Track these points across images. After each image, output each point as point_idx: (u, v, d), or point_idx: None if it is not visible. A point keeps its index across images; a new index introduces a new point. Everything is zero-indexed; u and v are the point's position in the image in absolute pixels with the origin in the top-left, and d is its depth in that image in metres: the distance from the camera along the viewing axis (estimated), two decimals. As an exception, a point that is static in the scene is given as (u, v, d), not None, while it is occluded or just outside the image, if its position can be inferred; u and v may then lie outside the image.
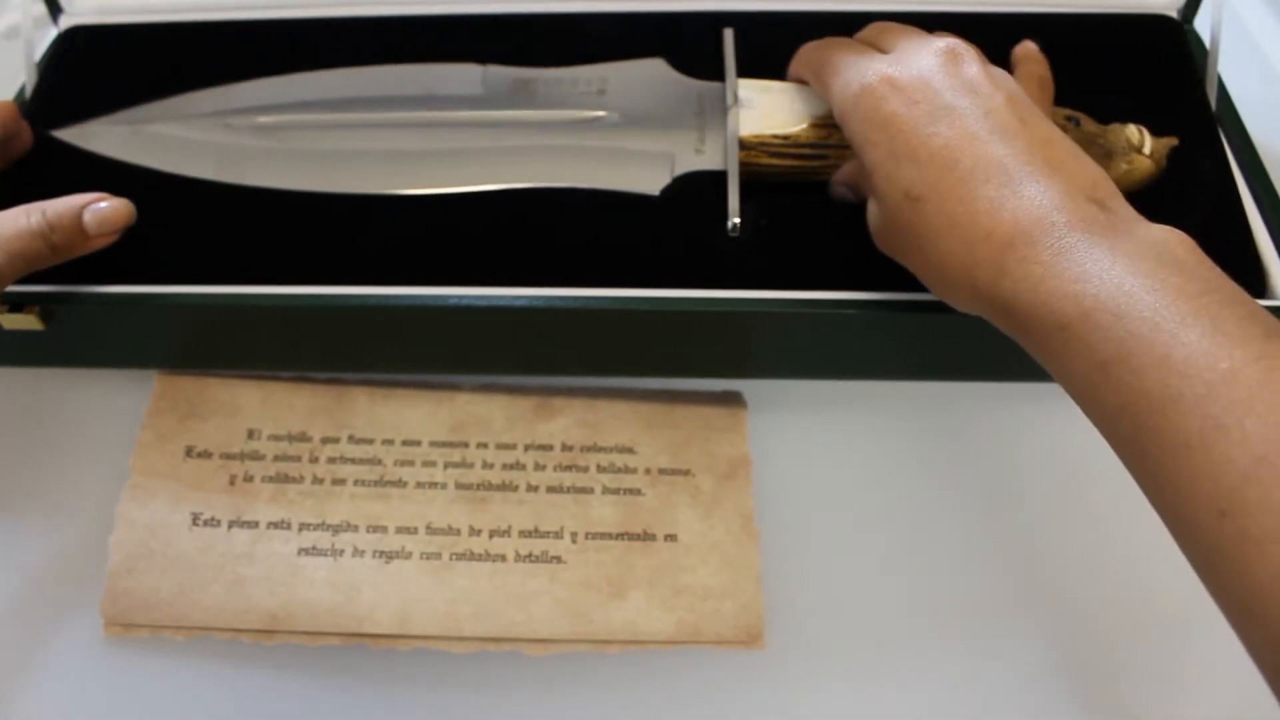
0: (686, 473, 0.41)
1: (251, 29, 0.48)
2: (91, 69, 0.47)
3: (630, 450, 0.42)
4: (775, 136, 0.40)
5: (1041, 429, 0.44)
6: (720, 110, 0.42)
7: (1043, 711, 0.38)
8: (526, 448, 0.42)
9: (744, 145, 0.40)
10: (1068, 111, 0.41)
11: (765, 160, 0.40)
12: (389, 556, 0.39)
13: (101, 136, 0.44)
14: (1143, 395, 0.27)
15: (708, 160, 0.41)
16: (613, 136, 0.42)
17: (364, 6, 0.48)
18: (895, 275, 0.36)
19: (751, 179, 0.40)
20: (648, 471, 0.41)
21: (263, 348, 0.43)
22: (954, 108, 0.33)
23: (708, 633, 0.38)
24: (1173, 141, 0.40)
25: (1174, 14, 0.47)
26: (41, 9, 0.48)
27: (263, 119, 0.44)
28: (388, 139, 0.43)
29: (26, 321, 0.40)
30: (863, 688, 0.38)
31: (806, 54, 0.40)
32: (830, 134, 0.40)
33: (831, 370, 0.45)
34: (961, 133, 0.32)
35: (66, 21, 0.49)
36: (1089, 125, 0.41)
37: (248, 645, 0.38)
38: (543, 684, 0.38)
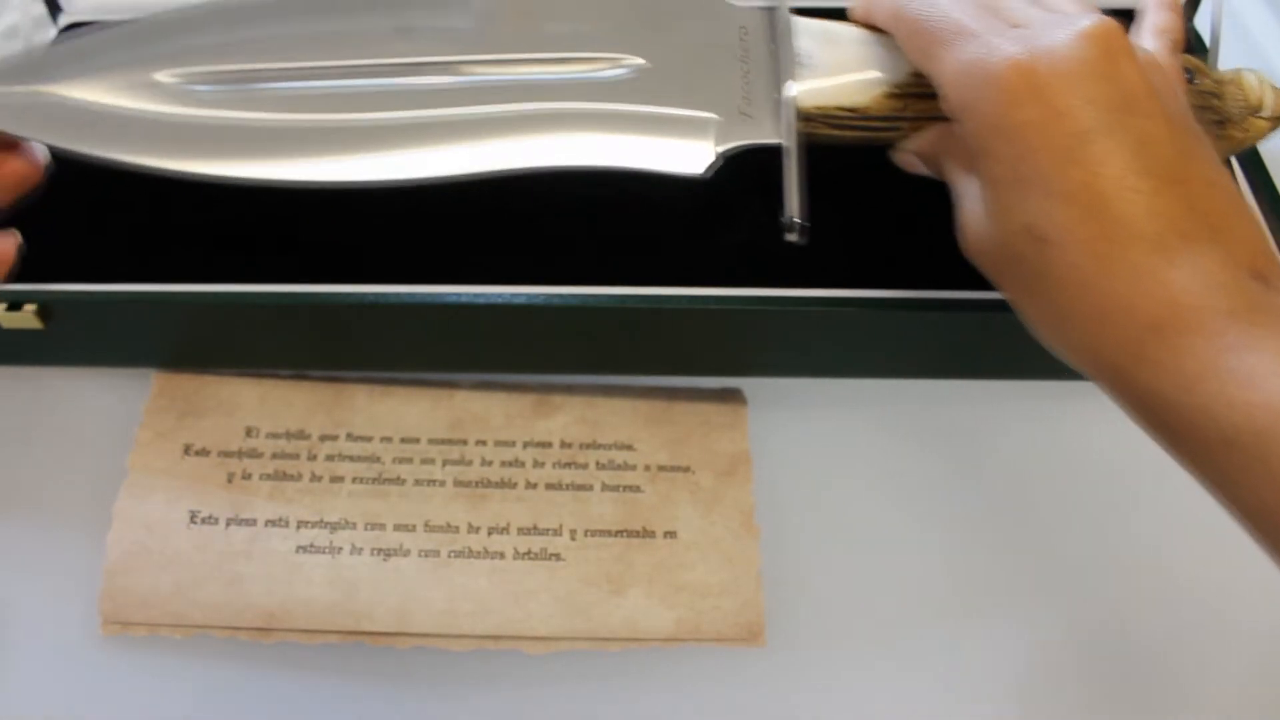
0: (686, 470, 0.41)
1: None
2: (90, 68, 0.47)
3: (630, 447, 0.42)
4: (841, 109, 0.33)
5: (1042, 427, 0.44)
6: (771, 56, 0.34)
7: (1044, 710, 0.37)
8: (525, 445, 0.42)
9: (803, 116, 0.33)
10: (1184, 60, 0.35)
11: (824, 132, 0.34)
12: (387, 554, 0.39)
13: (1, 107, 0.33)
14: None
15: (757, 127, 0.33)
16: (639, 94, 0.33)
17: None
18: (896, 274, 0.36)
19: (810, 141, 0.34)
20: (647, 468, 0.41)
21: (261, 346, 0.43)
22: (1107, 131, 0.26)
23: (708, 630, 0.38)
24: None
25: (1174, 11, 0.47)
26: (41, 8, 0.48)
27: (186, 82, 0.32)
28: (352, 101, 0.33)
29: (24, 320, 0.40)
30: (863, 685, 0.38)
31: (887, 3, 0.33)
32: (908, 105, 0.33)
33: (832, 368, 0.45)
34: (1113, 170, 0.26)
35: (65, 20, 0.49)
36: (1204, 79, 0.35)
37: (246, 643, 0.38)
38: (542, 682, 0.38)
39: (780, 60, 0.33)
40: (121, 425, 0.43)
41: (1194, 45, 0.46)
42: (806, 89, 0.33)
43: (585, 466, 0.41)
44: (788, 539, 0.40)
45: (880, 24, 0.33)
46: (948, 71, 0.29)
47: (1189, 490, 0.42)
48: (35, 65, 0.33)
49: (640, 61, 0.34)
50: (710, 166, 0.33)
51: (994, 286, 0.31)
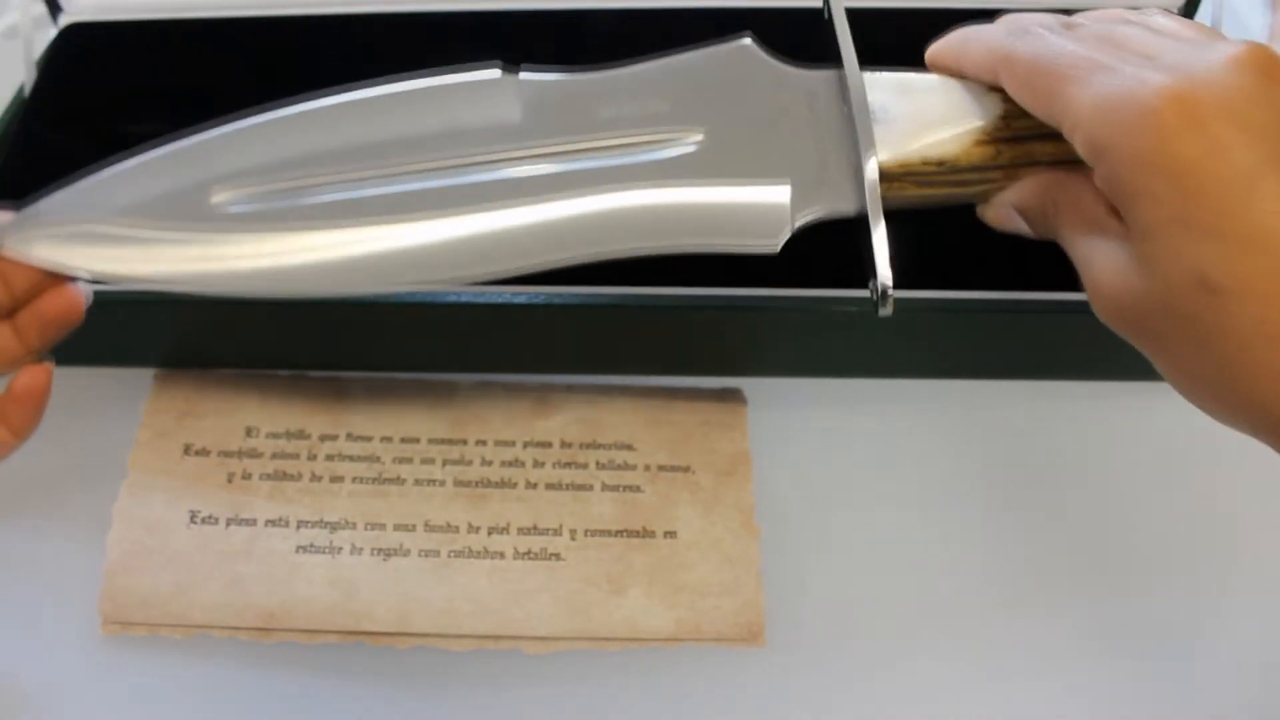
0: (686, 469, 0.41)
1: (251, 26, 0.48)
2: (91, 67, 0.47)
3: (630, 447, 0.42)
4: (927, 162, 0.30)
5: (1042, 426, 0.44)
6: (843, 117, 0.31)
7: (1044, 709, 0.37)
8: (525, 445, 0.42)
9: (885, 176, 0.30)
10: None
11: (910, 192, 0.31)
12: (387, 554, 0.39)
13: (40, 242, 0.31)
14: None
15: (835, 196, 0.31)
16: (703, 171, 0.31)
17: (363, 4, 0.48)
18: (896, 274, 0.36)
19: (889, 206, 0.30)
20: (647, 468, 0.41)
21: (261, 345, 0.43)
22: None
23: (708, 630, 0.38)
24: None
25: (1174, 10, 0.47)
26: (41, 8, 0.48)
27: (237, 202, 0.32)
28: (407, 204, 0.32)
29: (24, 319, 0.40)
30: (863, 685, 0.38)
31: (983, 40, 0.30)
32: (1001, 151, 0.30)
33: (832, 368, 0.44)
34: None
35: (66, 20, 0.49)
36: None
37: (246, 643, 0.38)
38: (542, 682, 0.38)
39: (855, 119, 0.30)
40: (121, 425, 0.43)
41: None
42: (886, 145, 0.30)
43: (585, 466, 0.41)
44: (788, 539, 0.40)
45: (975, 69, 0.30)
46: (1082, 109, 0.26)
47: (1184, 492, 0.42)
48: (80, 195, 0.32)
49: (702, 137, 0.31)
50: (786, 241, 0.31)
51: (1136, 345, 0.28)
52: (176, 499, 0.40)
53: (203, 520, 0.40)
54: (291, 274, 0.31)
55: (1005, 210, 0.31)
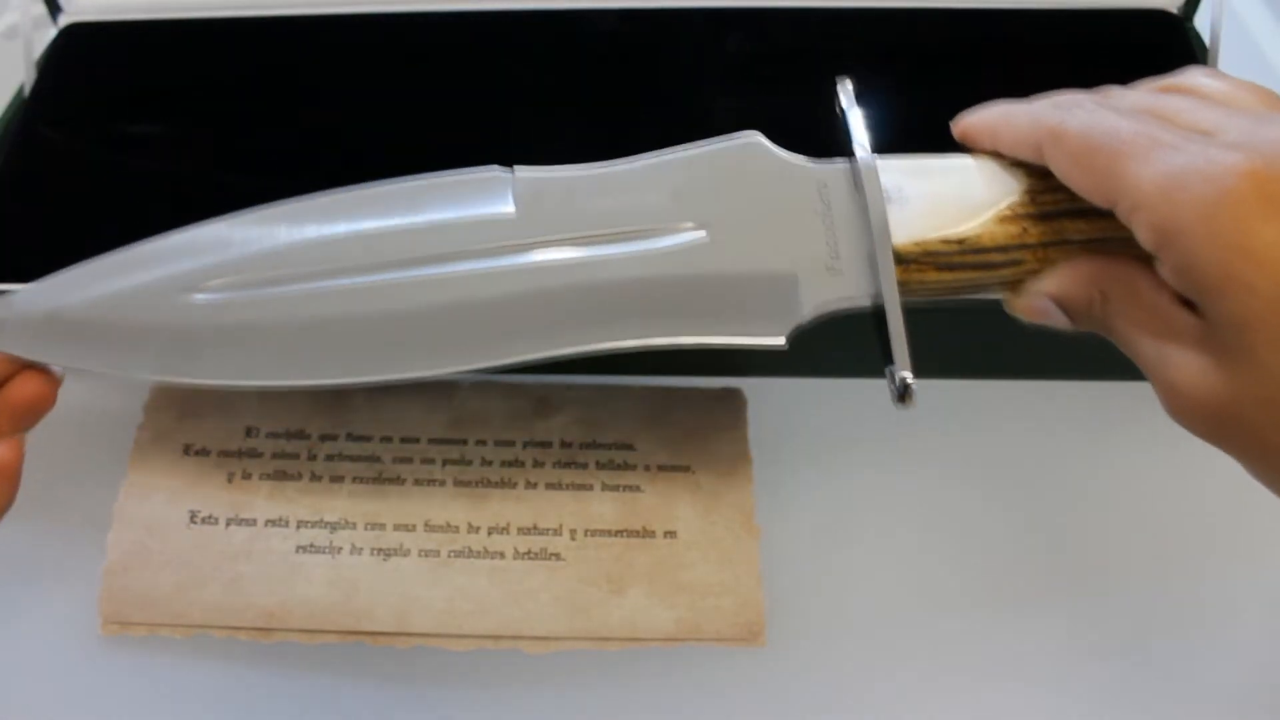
0: (686, 469, 0.41)
1: (251, 26, 0.48)
2: (91, 67, 0.47)
3: (629, 447, 0.42)
4: (947, 242, 0.28)
5: (1042, 426, 0.44)
6: (855, 204, 0.30)
7: (1044, 708, 0.37)
8: (525, 445, 0.42)
9: (901, 259, 0.28)
10: None
11: (930, 277, 0.29)
12: (387, 554, 0.39)
13: (9, 331, 0.31)
14: None
15: (848, 284, 0.29)
16: (706, 260, 0.30)
17: (363, 4, 0.48)
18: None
19: (911, 300, 0.29)
20: (647, 468, 0.41)
21: (261, 346, 0.43)
22: None
23: (708, 630, 0.38)
24: None
25: (1174, 10, 0.47)
26: (41, 8, 0.48)
27: (214, 292, 0.30)
28: (398, 296, 0.30)
29: (24, 319, 0.40)
30: (863, 685, 0.38)
31: (1027, 114, 0.28)
32: (1028, 229, 0.28)
33: (832, 368, 0.44)
34: None
35: (66, 20, 0.49)
36: None
37: (245, 643, 0.38)
38: (542, 681, 0.38)
39: (868, 202, 0.28)
40: (121, 425, 0.43)
41: (1195, 44, 0.46)
42: (902, 225, 0.28)
43: (585, 466, 0.41)
44: (788, 539, 0.40)
45: (1015, 144, 0.28)
46: (1144, 188, 0.24)
47: (1186, 491, 0.42)
48: (55, 287, 0.32)
49: (705, 229, 0.30)
50: (794, 333, 0.29)
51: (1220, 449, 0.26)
52: (176, 499, 0.40)
53: (203, 520, 0.40)
54: (265, 363, 0.30)
55: (1040, 301, 0.28)
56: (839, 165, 0.31)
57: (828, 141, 0.43)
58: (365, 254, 0.31)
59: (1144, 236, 0.25)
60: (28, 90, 0.46)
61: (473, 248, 0.30)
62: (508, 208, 0.31)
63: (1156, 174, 0.24)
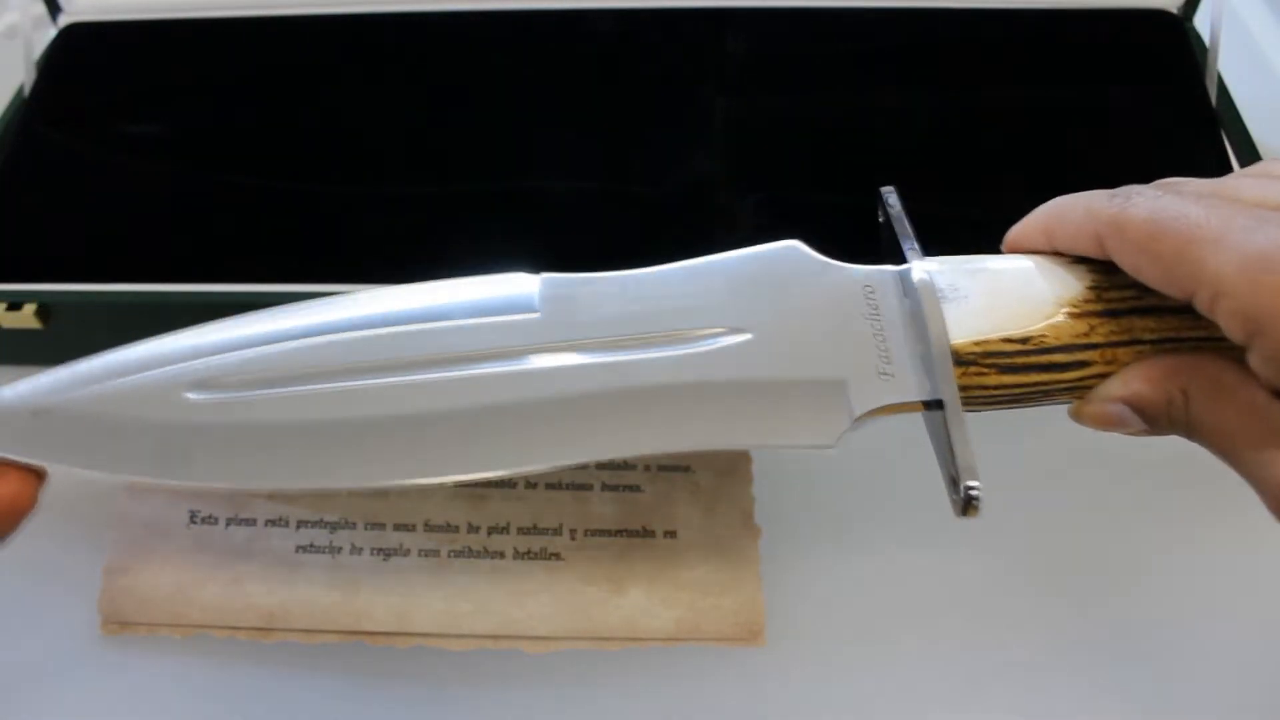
0: (686, 469, 0.41)
1: (251, 26, 0.48)
2: (91, 67, 0.47)
3: (630, 447, 0.42)
4: (1009, 341, 0.26)
5: (1043, 425, 0.43)
6: (906, 307, 0.28)
7: (1044, 708, 0.37)
8: (525, 445, 0.42)
9: (960, 359, 0.26)
10: None
11: (993, 380, 0.27)
12: (387, 554, 0.39)
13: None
14: None
15: (901, 386, 0.27)
16: (747, 365, 0.28)
17: (363, 4, 0.48)
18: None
19: (970, 409, 0.27)
20: (647, 468, 0.41)
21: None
22: None
23: (708, 630, 0.38)
24: None
25: (1174, 10, 0.47)
26: (40, 8, 0.48)
27: (223, 391, 0.28)
28: (416, 399, 0.28)
29: (24, 320, 0.40)
30: (863, 685, 0.38)
31: (1083, 206, 0.26)
32: (1095, 326, 0.26)
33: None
34: None
35: (65, 20, 0.49)
36: None
37: (245, 643, 0.38)
38: (542, 681, 0.38)
39: (921, 302, 0.27)
40: (121, 425, 0.43)
41: (1195, 44, 0.46)
42: (959, 324, 0.26)
43: (585, 466, 0.41)
44: (788, 539, 0.40)
45: (1073, 239, 0.27)
46: (1224, 274, 0.22)
47: (1187, 491, 0.42)
48: (46, 384, 0.29)
49: (747, 333, 0.28)
50: (844, 435, 0.27)
51: None
52: (176, 499, 0.40)
53: (203, 520, 0.40)
54: (267, 467, 0.28)
55: (1112, 407, 0.26)
56: (886, 269, 0.29)
57: (829, 141, 0.43)
58: (376, 354, 0.28)
59: (1230, 326, 0.23)
60: (28, 90, 0.46)
61: (494, 350, 0.28)
62: (532, 311, 0.29)
63: (1237, 256, 0.22)
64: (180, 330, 0.30)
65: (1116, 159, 0.42)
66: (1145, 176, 0.40)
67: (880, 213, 0.30)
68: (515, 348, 0.28)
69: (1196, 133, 0.42)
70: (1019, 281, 0.27)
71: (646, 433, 0.27)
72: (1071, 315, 0.26)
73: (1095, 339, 0.26)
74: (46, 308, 0.40)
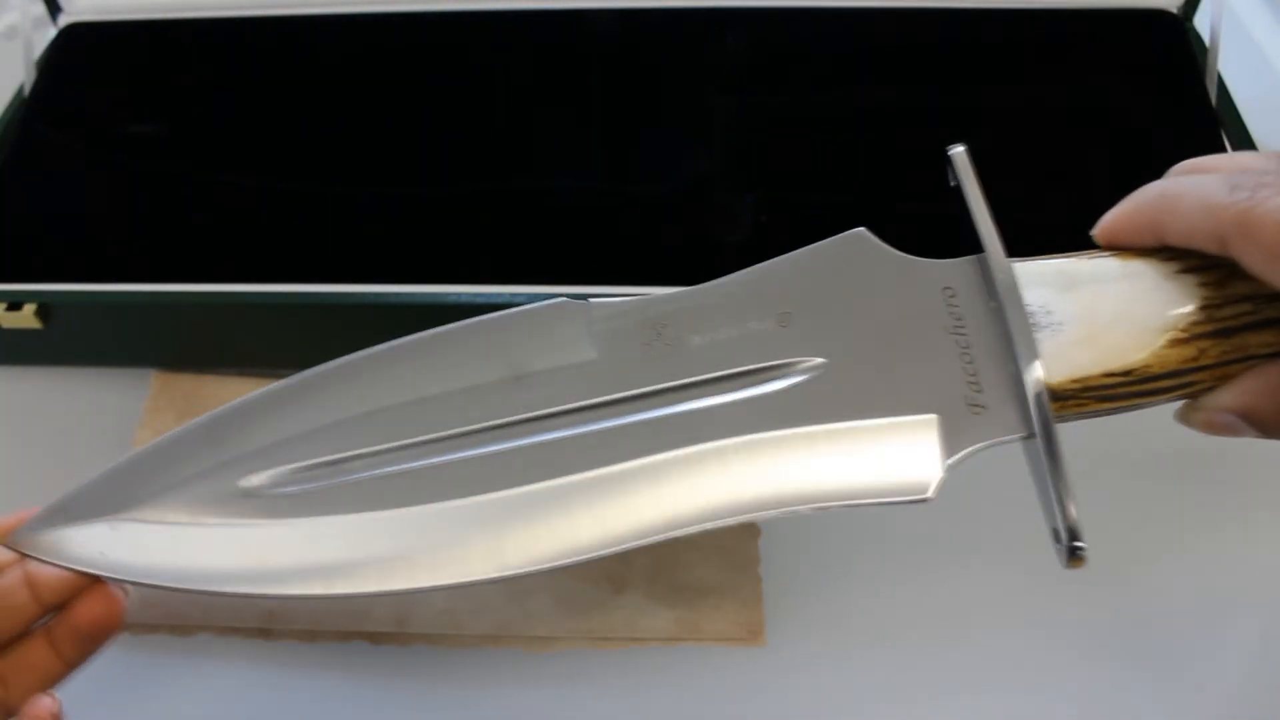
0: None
1: (250, 26, 0.48)
2: (91, 67, 0.47)
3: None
4: (1110, 375, 0.24)
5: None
6: (993, 317, 0.25)
7: (1044, 708, 0.37)
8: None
9: (1057, 397, 0.24)
10: None
11: (1091, 408, 0.25)
12: (387, 554, 0.39)
13: (75, 542, 0.27)
14: None
15: (994, 422, 0.25)
16: (829, 403, 0.25)
17: (363, 4, 0.48)
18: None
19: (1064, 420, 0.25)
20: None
21: (260, 346, 0.43)
22: None
23: (708, 630, 0.38)
24: None
25: (1174, 10, 0.47)
26: (40, 8, 0.48)
27: (286, 473, 0.26)
28: (471, 476, 0.26)
29: (24, 319, 0.40)
30: (864, 685, 0.38)
31: (1198, 198, 0.24)
32: (1206, 349, 0.24)
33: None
34: None
35: (65, 20, 0.49)
36: None
37: (246, 643, 0.38)
38: (542, 682, 0.38)
39: (1010, 325, 0.24)
40: (121, 425, 0.43)
41: (1194, 44, 0.46)
42: (1055, 359, 0.24)
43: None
44: (788, 539, 0.40)
45: (1188, 236, 0.24)
46: None
47: (1190, 489, 0.42)
48: (111, 486, 0.27)
49: (821, 359, 0.25)
50: (941, 485, 0.25)
51: None
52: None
53: (202, 520, 0.40)
54: (342, 570, 0.25)
55: (1221, 416, 0.24)
56: (964, 263, 0.26)
57: (829, 141, 0.43)
58: (432, 426, 0.26)
59: None
60: (28, 90, 0.46)
61: (560, 409, 0.26)
62: (588, 353, 0.26)
63: None
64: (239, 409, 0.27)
65: (1116, 159, 0.42)
66: (1145, 176, 0.40)
67: (950, 176, 0.27)
68: (572, 407, 0.26)
69: (1196, 133, 0.42)
70: (1120, 303, 0.24)
71: (725, 501, 0.25)
72: (1180, 341, 0.24)
73: (1205, 361, 0.24)
74: (46, 308, 0.40)
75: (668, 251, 0.40)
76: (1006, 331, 0.24)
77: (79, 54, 0.48)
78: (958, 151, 0.27)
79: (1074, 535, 0.24)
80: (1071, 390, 0.24)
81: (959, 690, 0.38)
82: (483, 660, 0.38)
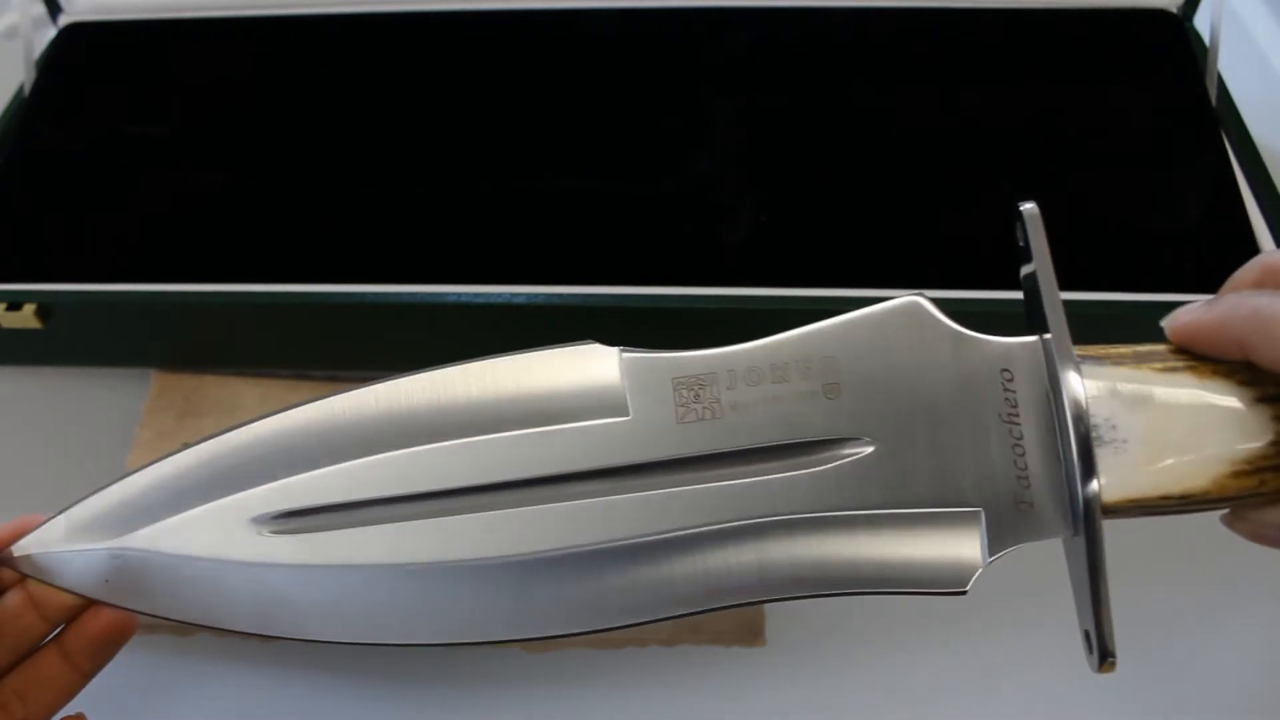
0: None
1: (252, 26, 0.48)
2: (91, 67, 0.47)
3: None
4: (1167, 498, 0.23)
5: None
6: (1049, 414, 0.24)
7: (1044, 708, 0.37)
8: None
9: (1108, 511, 0.23)
10: None
11: (1136, 515, 0.24)
12: (387, 554, 0.39)
13: (76, 566, 0.27)
14: None
15: (1040, 523, 0.25)
16: (874, 489, 0.24)
17: (363, 4, 0.48)
18: (897, 273, 0.36)
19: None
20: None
21: (260, 346, 0.43)
22: None
23: (708, 630, 0.38)
24: None
25: (1174, 10, 0.47)
26: (41, 8, 0.48)
27: (295, 511, 0.26)
28: (489, 534, 0.25)
29: (24, 319, 0.40)
30: (864, 685, 0.38)
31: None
32: (1267, 480, 0.23)
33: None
34: None
35: (66, 20, 0.49)
36: None
37: (245, 643, 0.38)
38: (542, 681, 0.38)
39: (1069, 428, 0.23)
40: (121, 425, 0.43)
41: (1195, 44, 0.46)
42: (1114, 476, 0.23)
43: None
44: (788, 539, 0.40)
45: (1276, 365, 0.23)
46: None
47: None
48: (116, 508, 0.27)
49: (868, 439, 0.24)
50: (977, 579, 0.25)
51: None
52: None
53: (202, 520, 0.40)
54: (360, 619, 0.25)
55: (1270, 531, 0.24)
56: (1026, 347, 0.25)
57: (828, 141, 0.43)
58: (459, 476, 0.25)
59: None
60: (28, 90, 0.46)
61: (587, 469, 0.25)
62: (620, 408, 0.25)
63: None
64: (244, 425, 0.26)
65: (1116, 159, 0.42)
66: (1145, 176, 0.40)
67: (1019, 235, 0.26)
68: (612, 467, 0.25)
69: (1196, 133, 0.42)
70: (1190, 431, 0.23)
71: (756, 581, 0.24)
72: (1243, 473, 0.23)
73: (1264, 489, 0.23)
74: (46, 308, 0.40)
75: (668, 251, 0.40)
76: (1065, 435, 0.23)
77: (79, 54, 0.48)
78: (1030, 209, 0.25)
79: (1106, 650, 0.24)
80: (1123, 506, 0.23)
81: (960, 691, 0.38)
82: (483, 660, 0.38)
